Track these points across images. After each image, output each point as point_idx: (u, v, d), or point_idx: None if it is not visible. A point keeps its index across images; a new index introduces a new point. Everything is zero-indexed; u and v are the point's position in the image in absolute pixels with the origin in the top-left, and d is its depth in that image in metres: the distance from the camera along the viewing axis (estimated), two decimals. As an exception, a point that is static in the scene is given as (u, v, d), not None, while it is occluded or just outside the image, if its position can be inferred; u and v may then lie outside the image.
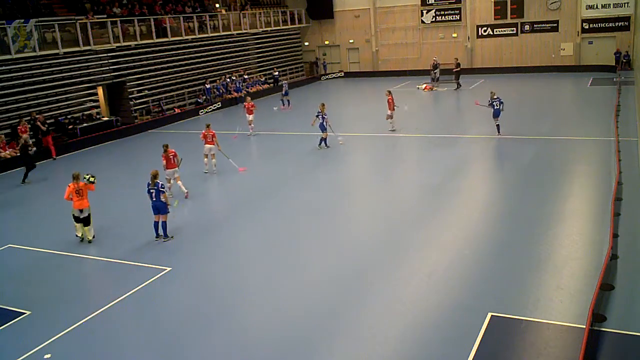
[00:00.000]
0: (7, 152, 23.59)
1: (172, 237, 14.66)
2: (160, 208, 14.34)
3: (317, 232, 14.78)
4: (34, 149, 22.51)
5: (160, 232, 14.63)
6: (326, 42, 48.84)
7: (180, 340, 9.99)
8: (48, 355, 9.79)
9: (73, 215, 14.94)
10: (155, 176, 14.27)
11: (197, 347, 9.76)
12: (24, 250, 14.75)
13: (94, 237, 15.03)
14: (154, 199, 14.26)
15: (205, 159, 20.64)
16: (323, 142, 23.09)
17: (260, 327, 10.34)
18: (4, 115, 25.46)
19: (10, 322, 10.99)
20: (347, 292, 11.28)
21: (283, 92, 34.71)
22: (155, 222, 14.57)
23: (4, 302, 11.82)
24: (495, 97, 22.92)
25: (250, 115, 25.97)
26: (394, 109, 24.96)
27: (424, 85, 37.98)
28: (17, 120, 25.37)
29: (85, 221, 14.81)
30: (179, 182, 17.88)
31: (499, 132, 23.06)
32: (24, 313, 11.30)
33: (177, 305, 11.33)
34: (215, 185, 20.05)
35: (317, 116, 22.88)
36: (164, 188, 14.35)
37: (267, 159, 22.78)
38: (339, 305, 10.81)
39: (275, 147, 24.59)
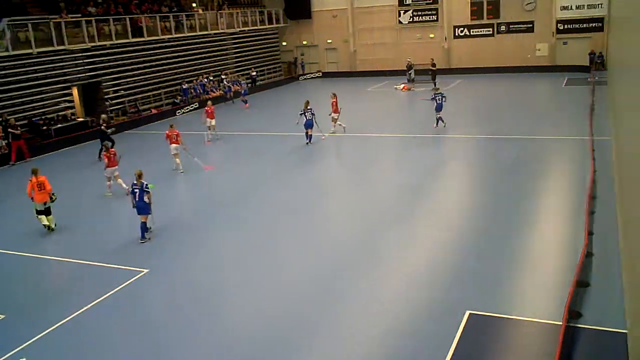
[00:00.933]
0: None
1: (149, 238, 14.53)
2: (141, 208, 14.19)
3: (296, 231, 14.75)
4: (110, 130, 23.69)
5: (145, 231, 14.47)
6: (304, 42, 48.81)
7: (160, 342, 9.92)
8: (23, 359, 9.65)
9: (36, 209, 15.47)
10: (140, 176, 14.19)
11: (177, 348, 9.69)
12: (-5, 253, 14.53)
13: (55, 225, 15.72)
14: (137, 199, 14.13)
15: (177, 159, 20.71)
16: (309, 139, 23.50)
17: (241, 327, 10.29)
18: (-25, 116, 25.02)
19: (-16, 327, 10.82)
20: (326, 292, 11.27)
21: (242, 92, 35.46)
22: (142, 222, 14.38)
23: (-24, 306, 11.62)
24: (438, 92, 24.73)
25: (212, 120, 25.70)
26: (338, 112, 25.12)
27: (402, 86, 38.14)
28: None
29: (47, 212, 15.47)
30: (119, 180, 18.31)
31: (437, 125, 24.54)
32: (-2, 317, 11.15)
33: (156, 308, 11.26)
34: (191, 186, 19.91)
35: (302, 114, 23.14)
36: (148, 188, 14.19)
37: (244, 159, 22.65)
38: (318, 305, 10.80)
39: (252, 147, 24.51)
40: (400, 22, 45.18)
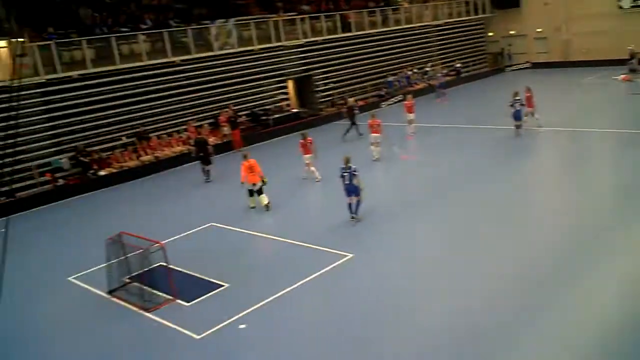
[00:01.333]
0: (212, 139, 25.91)
1: (358, 220, 15.42)
2: (350, 190, 15.22)
3: (499, 228, 14.39)
4: (357, 111, 27.20)
5: (354, 212, 15.50)
6: (511, 32, 47.00)
7: (359, 327, 10.43)
8: (243, 325, 10.83)
9: (248, 190, 17.53)
10: (348, 160, 15.27)
11: (373, 335, 10.17)
12: (224, 229, 16.38)
13: (269, 203, 17.41)
14: (347, 182, 15.13)
15: (373, 147, 21.47)
16: (519, 129, 23.21)
17: (439, 321, 10.35)
18: (207, 107, 28.21)
19: (211, 293, 12.33)
20: (535, 293, 10.86)
21: (437, 85, 35.51)
22: (349, 203, 15.40)
23: (206, 274, 13.25)
24: None
25: (411, 114, 25.74)
26: (533, 106, 23.98)
27: (622, 76, 35.17)
28: (219, 111, 27.96)
29: (259, 192, 17.35)
30: (312, 167, 19.65)
31: None
32: (223, 285, 12.60)
33: (357, 292, 11.79)
34: (390, 175, 20.49)
35: (511, 105, 22.95)
36: (357, 172, 15.16)
37: (446, 152, 22.75)
38: (524, 307, 10.43)
39: (455, 140, 24.52)
40: (620, 7, 41.55)
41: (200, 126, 26.44)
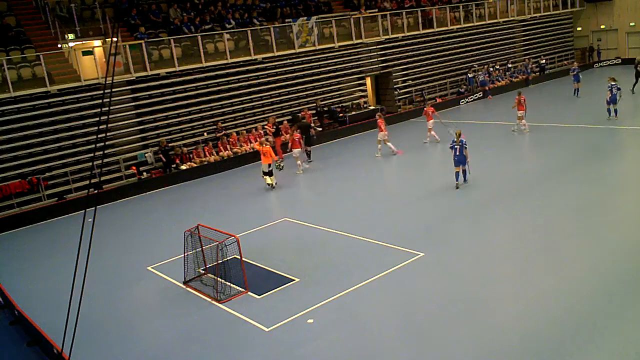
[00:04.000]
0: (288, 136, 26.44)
1: (465, 181, 17.99)
2: (459, 161, 17.76)
3: (581, 230, 14.06)
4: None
5: (461, 180, 18.02)
6: (602, 27, 45.01)
7: (427, 327, 10.49)
8: (310, 320, 11.10)
9: (262, 171, 20.42)
10: (459, 135, 17.79)
11: (440, 333, 10.24)
12: (297, 225, 16.79)
13: (276, 183, 20.56)
14: (458, 154, 17.57)
15: (298, 162, 22.67)
16: (614, 113, 24.20)
17: (509, 324, 10.31)
18: (286, 104, 28.81)
19: (282, 287, 12.69)
20: (611, 300, 10.56)
21: (480, 82, 35.94)
22: (456, 172, 17.87)
23: (278, 268, 13.65)
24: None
25: (431, 122, 24.84)
26: (523, 109, 24.05)
27: None
28: (298, 107, 28.50)
29: (270, 173, 20.37)
30: (298, 161, 22.55)
31: None
32: (294, 280, 12.93)
33: (426, 292, 11.84)
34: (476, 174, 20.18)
35: (609, 89, 23.83)
36: (466, 145, 17.51)
37: (526, 151, 22.35)
38: (598, 314, 10.18)
39: (543, 138, 23.87)
40: None
41: (281, 122, 26.99)
